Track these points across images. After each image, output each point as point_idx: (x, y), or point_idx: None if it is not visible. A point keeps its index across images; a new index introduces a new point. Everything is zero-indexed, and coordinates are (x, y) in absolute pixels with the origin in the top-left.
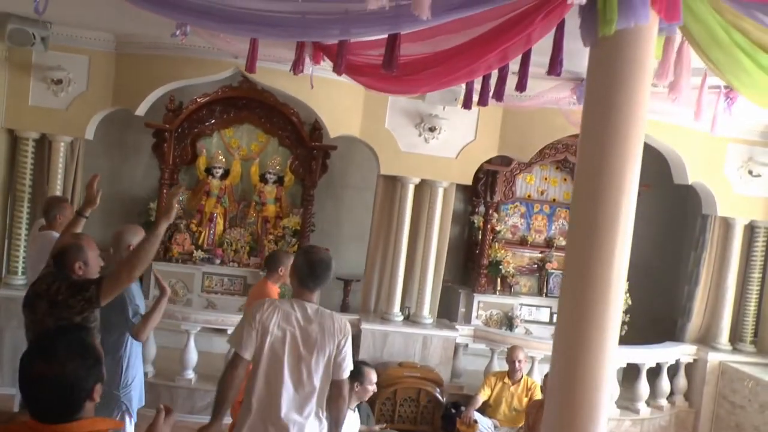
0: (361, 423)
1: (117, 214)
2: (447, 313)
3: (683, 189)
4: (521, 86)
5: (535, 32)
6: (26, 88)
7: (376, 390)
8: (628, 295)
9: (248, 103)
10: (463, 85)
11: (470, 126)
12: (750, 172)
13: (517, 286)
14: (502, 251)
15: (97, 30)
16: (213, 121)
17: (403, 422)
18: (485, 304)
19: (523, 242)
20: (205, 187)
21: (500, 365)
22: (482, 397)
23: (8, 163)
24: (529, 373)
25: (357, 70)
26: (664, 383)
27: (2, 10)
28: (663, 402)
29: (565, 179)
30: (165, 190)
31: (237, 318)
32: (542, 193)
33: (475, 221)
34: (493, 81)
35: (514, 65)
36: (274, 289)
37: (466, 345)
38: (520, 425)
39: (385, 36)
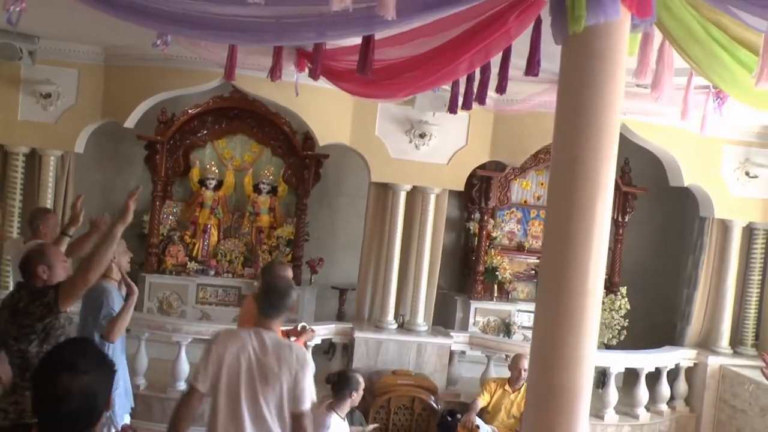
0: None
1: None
2: (444, 321)
3: (681, 192)
4: (501, 88)
5: (509, 32)
6: (15, 102)
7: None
8: (626, 299)
9: (240, 113)
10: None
11: (461, 131)
12: (747, 174)
13: (515, 292)
14: (498, 257)
15: (85, 43)
16: (205, 132)
17: (397, 430)
18: (482, 310)
19: (520, 248)
20: (198, 199)
21: (497, 372)
22: (481, 402)
23: None
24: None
25: (338, 75)
26: (664, 388)
27: None
28: (663, 407)
29: None
30: (158, 203)
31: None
32: (538, 198)
33: (471, 228)
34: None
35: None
36: None
37: (463, 352)
38: None
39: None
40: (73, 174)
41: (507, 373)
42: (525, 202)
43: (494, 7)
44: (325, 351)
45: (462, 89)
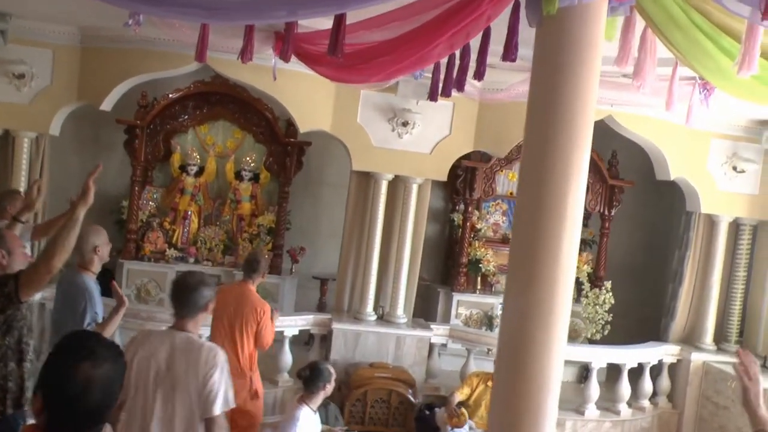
0: (330, 424)
1: (89, 211)
2: (426, 313)
3: (669, 186)
4: (479, 74)
5: (484, 15)
6: None
7: None
8: (610, 294)
9: (222, 98)
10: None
11: (445, 121)
12: (734, 168)
13: (499, 285)
14: (482, 249)
15: (60, 23)
16: (186, 117)
17: (374, 424)
18: (465, 303)
19: (505, 240)
20: (179, 185)
21: (477, 365)
22: (459, 396)
23: None
24: None
25: (314, 59)
26: (647, 384)
27: None
28: (645, 403)
29: None
30: (137, 188)
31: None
32: None
33: (455, 219)
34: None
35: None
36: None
37: (445, 345)
38: None
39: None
40: (48, 157)
41: (490, 367)
42: (511, 193)
43: None
44: (305, 342)
45: (443, 76)
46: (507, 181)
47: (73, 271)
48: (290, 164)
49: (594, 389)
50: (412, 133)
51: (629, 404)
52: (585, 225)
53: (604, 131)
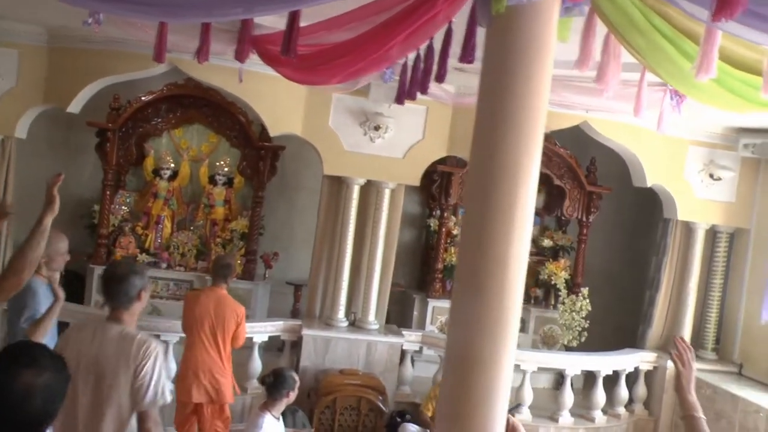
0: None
1: (60, 216)
2: (402, 319)
3: (648, 193)
4: (439, 77)
5: (439, 16)
6: None
7: None
8: (587, 300)
9: (195, 101)
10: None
11: (418, 125)
12: (711, 176)
13: None
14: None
15: (26, 23)
16: (159, 120)
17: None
18: (440, 309)
19: None
20: (152, 189)
21: None
22: (427, 412)
23: None
24: None
25: (276, 59)
26: (622, 391)
27: None
28: (621, 410)
29: None
30: (108, 192)
31: (172, 323)
32: None
33: (431, 225)
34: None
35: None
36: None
37: (419, 351)
38: None
39: (304, 25)
40: (15, 160)
41: None
42: None
43: None
44: (279, 348)
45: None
46: None
47: None
48: (264, 168)
49: (568, 396)
50: (385, 138)
51: (604, 411)
52: (563, 231)
53: (582, 138)
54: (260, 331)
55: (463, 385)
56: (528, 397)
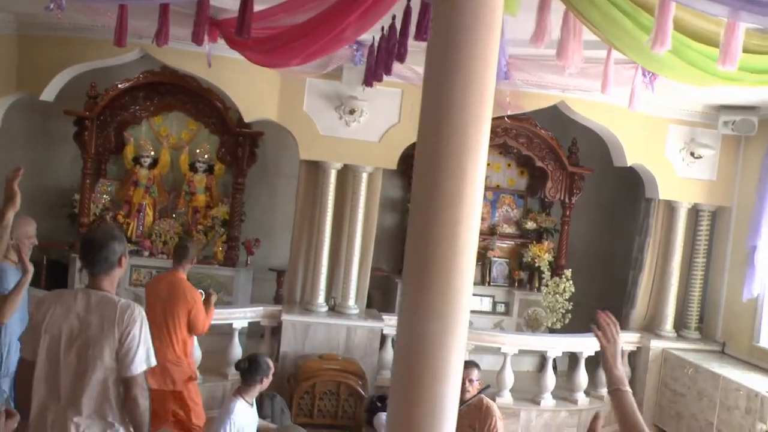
0: (275, 417)
1: (41, 206)
2: (385, 304)
3: (631, 172)
4: (399, 56)
5: None
6: None
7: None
8: (570, 282)
9: (172, 88)
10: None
11: (393, 108)
12: (692, 154)
13: None
14: None
15: None
16: (137, 107)
17: (323, 417)
18: None
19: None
20: (133, 177)
21: None
22: None
23: None
24: None
25: (239, 43)
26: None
27: None
28: (604, 392)
29: (509, 165)
30: (88, 181)
31: None
32: (485, 179)
33: None
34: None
35: None
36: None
37: None
38: None
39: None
40: None
41: None
42: None
43: None
44: (262, 335)
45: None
46: None
47: None
48: (243, 155)
49: (550, 378)
50: (360, 121)
51: (587, 393)
52: (547, 213)
53: (563, 118)
54: (240, 317)
55: (413, 367)
56: (509, 380)
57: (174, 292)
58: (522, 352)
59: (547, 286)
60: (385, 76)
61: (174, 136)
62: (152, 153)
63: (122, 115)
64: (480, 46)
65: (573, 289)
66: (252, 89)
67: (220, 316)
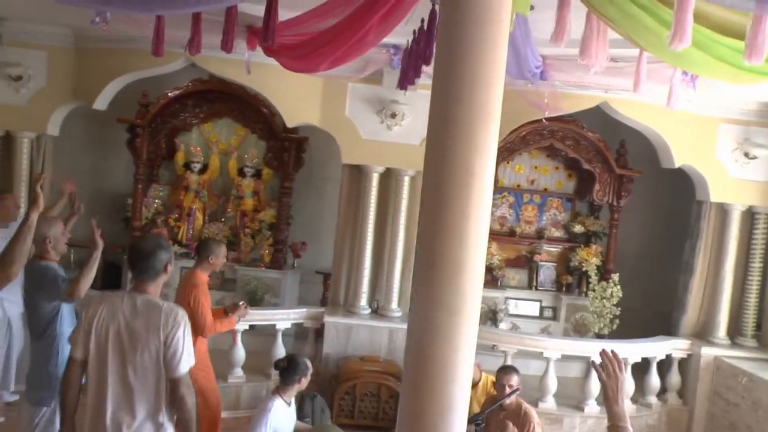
0: (315, 417)
1: (98, 210)
2: None
3: (681, 174)
4: (426, 59)
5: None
6: None
7: None
8: (618, 287)
9: (220, 96)
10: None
11: None
12: (746, 155)
13: (505, 278)
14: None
15: (53, 25)
16: (187, 115)
17: (364, 418)
18: None
19: (512, 234)
20: (183, 182)
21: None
22: None
23: None
24: None
25: (273, 50)
26: (653, 379)
27: None
28: (652, 399)
29: (557, 168)
30: (140, 186)
31: None
32: (532, 182)
33: None
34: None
35: None
36: (203, 278)
37: None
38: None
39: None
40: (51, 157)
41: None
42: (518, 186)
43: None
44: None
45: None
46: (513, 173)
47: (36, 262)
48: (289, 160)
49: (594, 384)
50: (402, 125)
51: (634, 400)
52: (596, 217)
53: (611, 120)
54: (283, 318)
55: (424, 358)
56: (552, 385)
57: (179, 288)
58: (569, 358)
59: (594, 290)
60: (422, 78)
61: (223, 142)
62: (202, 159)
63: (173, 123)
64: (486, 43)
65: (620, 294)
66: (294, 95)
67: (263, 317)
